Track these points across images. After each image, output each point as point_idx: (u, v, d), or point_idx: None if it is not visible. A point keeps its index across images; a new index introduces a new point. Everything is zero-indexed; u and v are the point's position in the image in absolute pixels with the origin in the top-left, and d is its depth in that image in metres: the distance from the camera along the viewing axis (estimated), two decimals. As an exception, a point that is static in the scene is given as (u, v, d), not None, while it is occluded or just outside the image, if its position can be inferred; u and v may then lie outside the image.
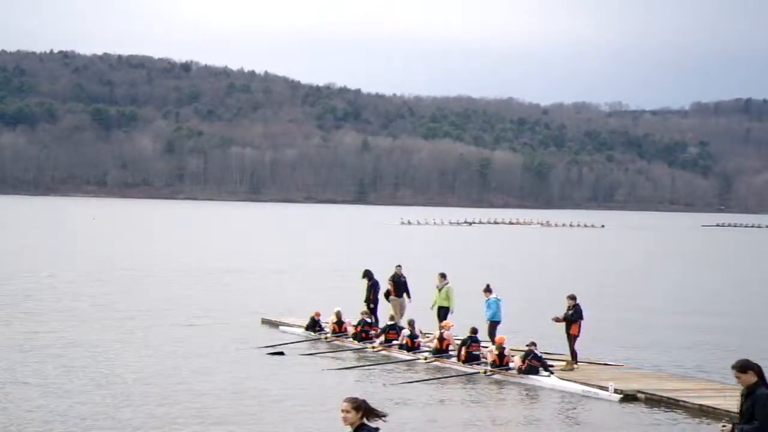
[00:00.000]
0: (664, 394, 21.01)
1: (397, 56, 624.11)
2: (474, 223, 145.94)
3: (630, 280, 55.28)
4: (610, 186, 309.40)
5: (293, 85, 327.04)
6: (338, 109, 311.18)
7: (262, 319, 32.17)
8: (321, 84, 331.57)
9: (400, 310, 29.04)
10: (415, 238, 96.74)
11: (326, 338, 28.31)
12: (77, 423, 17.81)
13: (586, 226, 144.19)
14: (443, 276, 28.13)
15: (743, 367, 10.80)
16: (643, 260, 74.51)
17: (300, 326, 29.96)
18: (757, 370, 10.74)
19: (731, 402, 20.18)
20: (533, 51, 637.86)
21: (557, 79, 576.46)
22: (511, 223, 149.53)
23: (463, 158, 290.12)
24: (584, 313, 24.52)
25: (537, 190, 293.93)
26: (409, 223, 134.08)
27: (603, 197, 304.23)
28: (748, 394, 10.74)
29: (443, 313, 27.61)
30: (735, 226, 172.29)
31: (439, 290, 28.06)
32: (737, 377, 10.80)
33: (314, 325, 29.30)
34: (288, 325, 30.68)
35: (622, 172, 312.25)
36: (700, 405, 20.13)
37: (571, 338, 24.39)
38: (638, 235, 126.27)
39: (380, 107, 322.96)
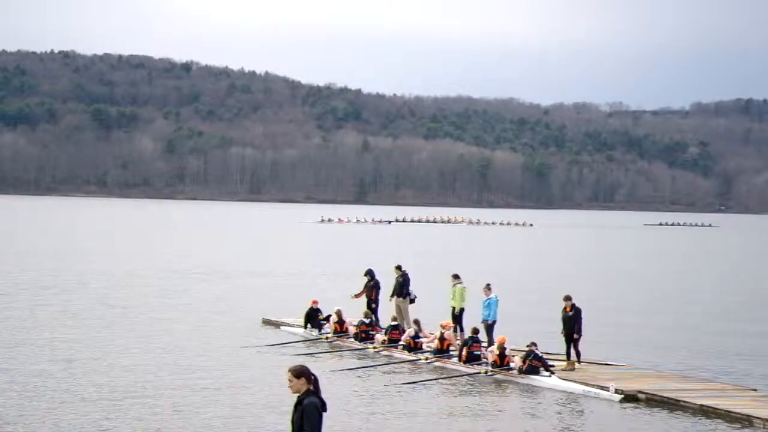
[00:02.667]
0: (665, 394, 21.04)
1: (398, 56, 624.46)
2: (400, 221, 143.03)
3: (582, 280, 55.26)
4: (611, 186, 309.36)
5: (293, 86, 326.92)
6: (338, 109, 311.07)
7: (263, 319, 32.18)
8: (321, 84, 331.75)
9: (401, 310, 28.95)
10: (327, 237, 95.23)
11: (327, 338, 28.33)
12: (76, 422, 17.82)
13: (517, 224, 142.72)
14: (456, 277, 28.04)
15: (298, 372, 10.24)
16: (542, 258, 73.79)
17: (301, 326, 29.98)
18: (310, 378, 10.26)
19: (731, 402, 20.26)
20: (533, 51, 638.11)
21: (558, 79, 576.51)
22: (442, 222, 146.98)
23: (464, 158, 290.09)
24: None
25: (537, 191, 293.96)
26: (329, 221, 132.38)
27: (603, 197, 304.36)
28: (298, 404, 10.26)
29: (460, 315, 27.47)
30: (679, 225, 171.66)
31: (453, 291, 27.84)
32: (289, 381, 10.23)
33: (313, 315, 29.18)
34: (289, 325, 30.69)
35: (622, 173, 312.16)
36: (701, 405, 20.16)
37: (571, 339, 24.33)
38: (565, 233, 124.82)
39: (380, 107, 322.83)
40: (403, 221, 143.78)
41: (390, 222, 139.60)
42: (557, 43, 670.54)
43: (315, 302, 29.72)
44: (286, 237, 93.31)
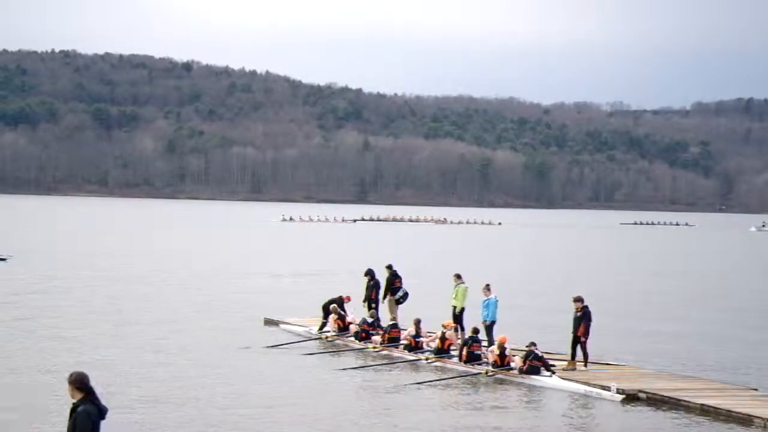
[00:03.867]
0: (666, 394, 21.06)
1: (398, 56, 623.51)
2: (366, 220, 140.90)
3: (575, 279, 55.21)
4: (612, 186, 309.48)
5: (294, 85, 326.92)
6: (339, 108, 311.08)
7: (265, 319, 32.18)
8: (322, 84, 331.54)
9: (392, 309, 29.11)
10: (287, 236, 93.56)
11: (327, 338, 28.34)
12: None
13: (483, 223, 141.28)
14: (458, 277, 27.96)
15: (72, 379, 9.97)
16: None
17: (302, 326, 30.00)
18: (86, 385, 9.99)
19: (732, 401, 20.28)
20: (534, 50, 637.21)
21: (558, 78, 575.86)
22: (409, 220, 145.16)
23: (464, 158, 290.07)
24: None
25: (538, 190, 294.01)
26: (291, 219, 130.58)
27: (604, 197, 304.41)
28: (73, 411, 9.92)
29: (461, 315, 27.41)
30: (655, 224, 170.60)
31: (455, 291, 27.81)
32: (68, 386, 9.90)
33: (336, 306, 29.00)
34: (290, 324, 30.68)
35: (623, 172, 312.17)
36: (702, 405, 20.18)
37: (578, 340, 24.22)
38: (533, 233, 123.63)
39: (381, 107, 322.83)
40: (370, 220, 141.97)
41: (355, 221, 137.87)
42: (557, 43, 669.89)
43: (348, 298, 29.29)
44: (256, 236, 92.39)
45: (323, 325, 28.90)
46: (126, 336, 28.30)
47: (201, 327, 30.63)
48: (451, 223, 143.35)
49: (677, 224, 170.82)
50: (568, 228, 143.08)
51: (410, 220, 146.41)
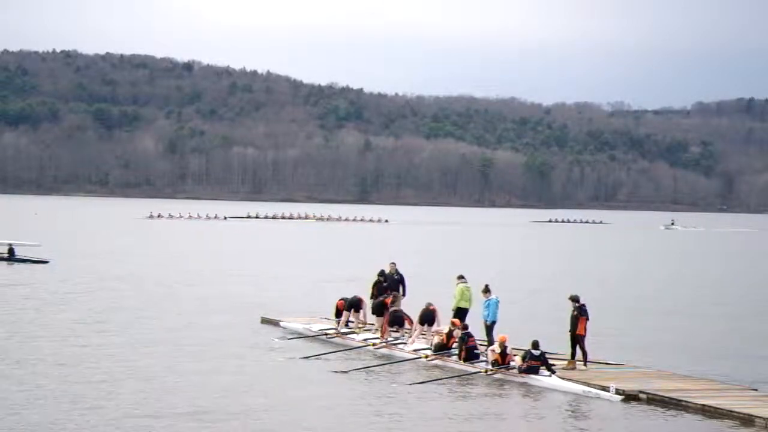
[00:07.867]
0: (666, 394, 21.03)
1: (399, 56, 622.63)
2: (240, 218, 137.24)
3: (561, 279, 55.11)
4: (612, 186, 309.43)
5: (295, 85, 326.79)
6: (340, 108, 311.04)
7: (263, 318, 32.14)
8: (323, 84, 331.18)
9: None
10: (147, 234, 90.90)
11: (326, 335, 28.33)
12: (79, 423, 17.82)
13: (372, 220, 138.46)
14: (460, 277, 27.86)
15: None
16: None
17: (300, 325, 30.00)
18: None
19: (732, 401, 20.24)
20: (535, 50, 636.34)
21: (559, 78, 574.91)
22: (290, 217, 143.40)
23: (465, 158, 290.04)
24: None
25: (539, 190, 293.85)
26: (159, 216, 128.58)
27: (605, 197, 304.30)
28: None
29: (461, 314, 27.36)
30: (569, 221, 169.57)
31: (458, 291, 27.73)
32: None
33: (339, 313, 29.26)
34: (288, 324, 30.63)
35: (624, 172, 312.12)
36: (702, 405, 20.15)
37: (578, 338, 24.17)
38: (418, 230, 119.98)
39: (382, 107, 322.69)
40: (248, 217, 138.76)
41: (225, 218, 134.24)
42: (557, 43, 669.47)
43: (341, 304, 29.52)
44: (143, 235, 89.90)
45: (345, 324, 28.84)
46: (132, 334, 28.32)
47: (198, 326, 30.57)
48: (329, 219, 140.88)
49: (593, 222, 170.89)
50: (465, 226, 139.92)
51: (291, 217, 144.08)
